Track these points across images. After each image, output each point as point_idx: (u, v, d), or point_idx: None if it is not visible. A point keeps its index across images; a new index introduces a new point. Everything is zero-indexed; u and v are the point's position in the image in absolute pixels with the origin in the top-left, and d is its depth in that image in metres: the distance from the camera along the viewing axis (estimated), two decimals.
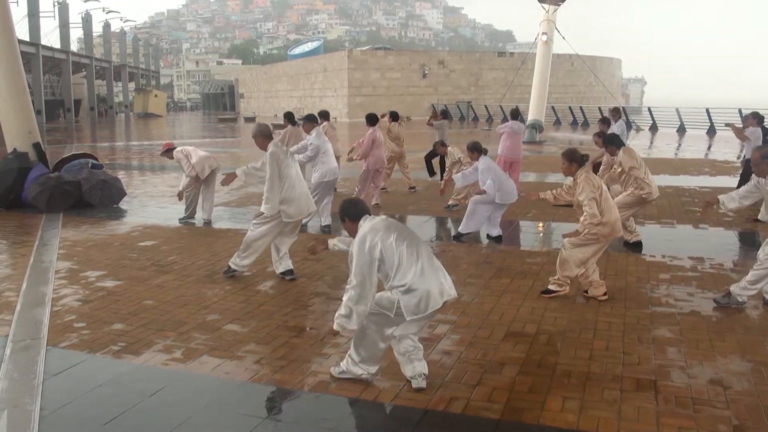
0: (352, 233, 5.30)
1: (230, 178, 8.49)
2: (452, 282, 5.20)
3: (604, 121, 14.26)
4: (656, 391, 5.14)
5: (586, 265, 7.41)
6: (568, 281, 7.51)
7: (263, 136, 8.21)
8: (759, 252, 7.04)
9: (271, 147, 8.10)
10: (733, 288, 7.10)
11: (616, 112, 15.20)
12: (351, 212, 5.30)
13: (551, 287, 7.57)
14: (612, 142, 9.61)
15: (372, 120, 13.62)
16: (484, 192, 10.10)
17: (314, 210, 8.74)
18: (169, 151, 11.90)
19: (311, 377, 5.44)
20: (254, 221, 8.31)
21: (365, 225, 5.15)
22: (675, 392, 5.12)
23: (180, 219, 12.10)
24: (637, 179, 9.16)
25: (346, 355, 5.39)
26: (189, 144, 12.94)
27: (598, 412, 4.80)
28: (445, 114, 17.17)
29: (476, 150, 10.38)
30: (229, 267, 8.41)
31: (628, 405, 4.92)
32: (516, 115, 15.24)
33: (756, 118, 13.07)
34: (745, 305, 7.09)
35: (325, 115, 14.45)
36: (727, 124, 13.98)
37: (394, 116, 15.81)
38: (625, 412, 4.80)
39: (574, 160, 7.33)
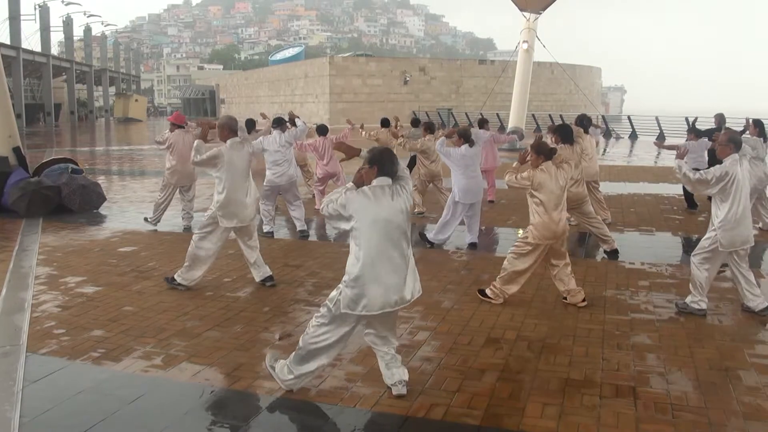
0: (368, 180, 5.05)
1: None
2: (410, 290, 5.07)
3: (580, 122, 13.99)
4: (635, 397, 5.18)
5: (525, 276, 7.56)
6: (505, 296, 7.58)
7: (229, 130, 8.06)
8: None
9: (228, 143, 7.96)
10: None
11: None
12: (384, 165, 5.05)
13: (488, 291, 7.66)
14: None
15: (321, 131, 13.72)
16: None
17: (254, 217, 8.50)
18: (175, 126, 11.79)
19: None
20: (196, 230, 8.29)
21: (372, 186, 5.01)
22: (654, 398, 5.16)
23: (145, 218, 12.12)
24: None
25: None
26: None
27: (577, 418, 4.84)
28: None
29: (463, 137, 10.36)
30: (173, 278, 8.24)
31: (608, 411, 4.95)
32: (482, 124, 15.21)
33: (693, 132, 13.51)
34: (724, 313, 7.18)
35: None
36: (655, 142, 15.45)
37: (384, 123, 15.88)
38: (604, 418, 4.84)
39: (541, 152, 7.42)
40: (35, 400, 5.18)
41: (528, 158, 7.52)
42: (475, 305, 7.50)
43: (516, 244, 7.68)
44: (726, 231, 6.91)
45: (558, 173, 7.37)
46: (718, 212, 6.99)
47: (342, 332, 5.14)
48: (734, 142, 7.03)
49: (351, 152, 5.80)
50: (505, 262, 7.64)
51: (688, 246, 10.65)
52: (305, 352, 5.21)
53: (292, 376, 5.27)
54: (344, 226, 4.97)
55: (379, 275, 4.93)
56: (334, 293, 5.12)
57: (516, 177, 7.44)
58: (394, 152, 5.26)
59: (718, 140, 7.22)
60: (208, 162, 7.93)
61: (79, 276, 8.78)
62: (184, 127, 11.92)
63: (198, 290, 8.11)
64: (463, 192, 10.14)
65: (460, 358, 6.00)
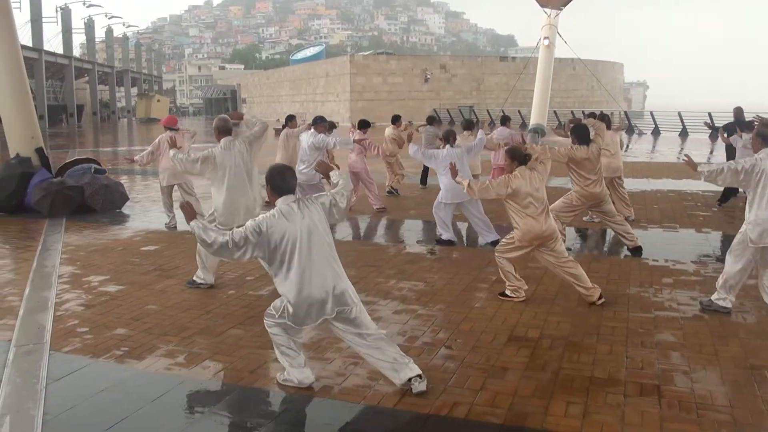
0: (272, 200, 5.23)
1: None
2: (343, 294, 5.14)
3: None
4: (660, 396, 5.12)
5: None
6: (523, 288, 7.59)
7: (220, 131, 8.18)
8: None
9: (221, 143, 8.07)
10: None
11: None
12: (276, 184, 5.18)
13: (507, 291, 7.63)
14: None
15: (361, 125, 14.20)
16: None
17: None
18: (167, 128, 11.74)
19: (314, 382, 5.42)
20: None
21: (280, 207, 5.10)
22: (679, 397, 5.11)
23: (165, 224, 12.22)
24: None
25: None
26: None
27: (601, 417, 4.79)
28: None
29: (444, 138, 10.56)
30: (193, 280, 8.31)
31: (632, 409, 4.90)
32: (504, 121, 15.16)
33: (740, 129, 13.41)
34: (748, 310, 7.09)
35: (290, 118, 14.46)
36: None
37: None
38: (628, 417, 4.79)
39: (515, 158, 7.40)
40: (58, 397, 5.22)
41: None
42: (498, 303, 7.47)
43: (501, 242, 7.69)
44: (756, 225, 6.77)
45: (532, 176, 7.29)
46: (750, 207, 6.87)
47: (293, 330, 5.26)
48: (761, 136, 6.89)
49: (326, 169, 5.85)
50: (498, 264, 7.66)
51: (713, 243, 10.55)
52: (284, 348, 5.31)
53: (295, 371, 5.32)
54: (241, 254, 5.00)
55: (311, 291, 5.01)
56: (278, 303, 5.21)
57: (489, 184, 7.37)
58: (287, 169, 5.30)
59: (752, 135, 7.11)
60: (202, 164, 7.99)
61: (102, 275, 8.83)
62: (177, 130, 11.95)
63: (220, 288, 8.13)
64: (449, 192, 10.21)
65: (483, 356, 5.96)
